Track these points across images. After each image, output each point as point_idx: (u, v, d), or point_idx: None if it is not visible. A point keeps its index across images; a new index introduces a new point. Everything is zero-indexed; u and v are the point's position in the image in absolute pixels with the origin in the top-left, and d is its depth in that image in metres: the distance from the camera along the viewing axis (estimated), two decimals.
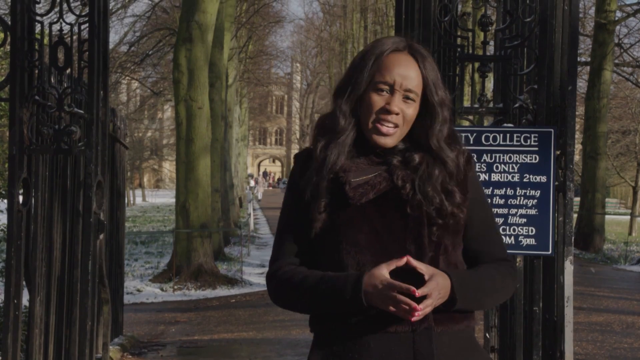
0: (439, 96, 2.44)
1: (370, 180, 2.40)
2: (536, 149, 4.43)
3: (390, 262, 2.27)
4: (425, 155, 2.44)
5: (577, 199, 24.37)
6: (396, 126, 2.42)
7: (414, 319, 2.22)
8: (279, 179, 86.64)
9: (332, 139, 2.45)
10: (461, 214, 2.43)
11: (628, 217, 31.99)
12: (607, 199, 30.61)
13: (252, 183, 58.69)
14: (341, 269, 2.37)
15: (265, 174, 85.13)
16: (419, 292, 2.21)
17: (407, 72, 2.42)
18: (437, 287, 2.25)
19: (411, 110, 2.42)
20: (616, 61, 26.42)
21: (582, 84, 26.92)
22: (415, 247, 2.36)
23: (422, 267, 2.26)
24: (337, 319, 2.37)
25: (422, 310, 2.21)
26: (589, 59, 25.19)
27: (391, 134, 2.42)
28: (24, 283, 5.46)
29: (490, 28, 4.63)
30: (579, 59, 19.00)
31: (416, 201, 2.38)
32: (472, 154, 2.64)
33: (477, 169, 4.12)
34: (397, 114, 2.40)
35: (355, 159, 2.45)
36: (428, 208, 2.38)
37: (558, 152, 4.56)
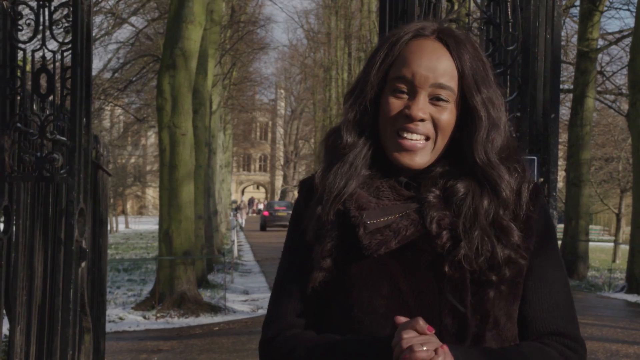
0: (483, 93, 1.78)
1: (393, 223, 1.73)
2: None
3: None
4: (472, 182, 1.77)
5: (560, 226, 24.42)
6: (426, 138, 1.77)
7: None
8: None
9: (336, 159, 1.82)
10: (521, 260, 1.75)
11: (612, 244, 32.11)
12: (590, 226, 30.68)
13: (240, 218, 57.96)
14: None
15: (251, 201, 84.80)
16: None
17: (433, 63, 1.76)
18: None
19: (446, 115, 1.77)
20: (599, 89, 26.63)
21: (565, 112, 27.10)
22: (454, 320, 1.71)
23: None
24: None
25: None
26: (571, 87, 25.35)
27: (418, 149, 1.76)
28: (4, 312, 5.40)
29: None
30: (562, 87, 19.12)
31: (458, 256, 1.71)
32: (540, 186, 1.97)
33: None
34: (422, 120, 1.76)
35: (378, 191, 1.79)
36: (475, 264, 1.72)
37: (541, 180, 4.57)
